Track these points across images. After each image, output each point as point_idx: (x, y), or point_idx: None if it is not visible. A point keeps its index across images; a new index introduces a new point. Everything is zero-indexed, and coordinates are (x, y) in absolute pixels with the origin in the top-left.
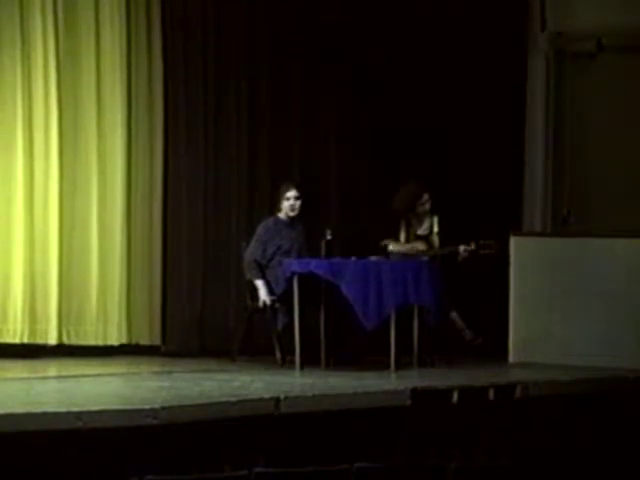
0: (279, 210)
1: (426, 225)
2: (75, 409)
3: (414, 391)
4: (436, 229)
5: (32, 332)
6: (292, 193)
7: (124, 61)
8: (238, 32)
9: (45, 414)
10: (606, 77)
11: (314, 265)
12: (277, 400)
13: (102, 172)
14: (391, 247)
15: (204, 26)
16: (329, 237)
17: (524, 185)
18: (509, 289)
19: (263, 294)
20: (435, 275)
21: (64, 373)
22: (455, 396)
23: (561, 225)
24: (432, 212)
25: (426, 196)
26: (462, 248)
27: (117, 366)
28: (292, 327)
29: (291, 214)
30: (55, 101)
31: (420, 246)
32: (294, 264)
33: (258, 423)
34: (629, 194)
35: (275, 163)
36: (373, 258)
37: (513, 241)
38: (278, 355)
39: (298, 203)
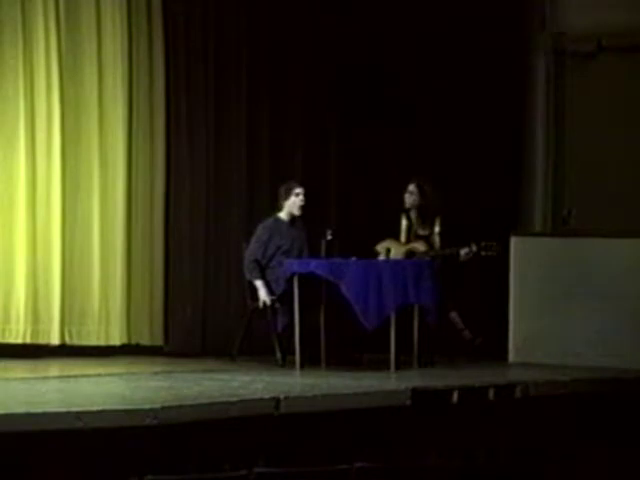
0: (279, 210)
1: (427, 225)
2: (75, 409)
3: (414, 391)
4: (437, 229)
5: (34, 332)
6: (301, 189)
7: (125, 61)
8: (239, 30)
9: (45, 414)
10: (606, 77)
11: (314, 265)
12: (277, 400)
13: (104, 172)
14: (381, 256)
15: (205, 25)
16: (329, 237)
17: (524, 185)
18: (509, 289)
19: (263, 294)
20: (435, 275)
21: (65, 373)
22: (455, 396)
23: (561, 225)
24: (435, 212)
25: (411, 186)
26: (463, 252)
27: (118, 366)
28: (292, 327)
29: (297, 212)
30: (57, 101)
31: (420, 246)
32: (294, 264)
33: (258, 423)
34: (629, 194)
35: (276, 163)
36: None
37: (513, 241)
38: (278, 355)
39: (304, 199)
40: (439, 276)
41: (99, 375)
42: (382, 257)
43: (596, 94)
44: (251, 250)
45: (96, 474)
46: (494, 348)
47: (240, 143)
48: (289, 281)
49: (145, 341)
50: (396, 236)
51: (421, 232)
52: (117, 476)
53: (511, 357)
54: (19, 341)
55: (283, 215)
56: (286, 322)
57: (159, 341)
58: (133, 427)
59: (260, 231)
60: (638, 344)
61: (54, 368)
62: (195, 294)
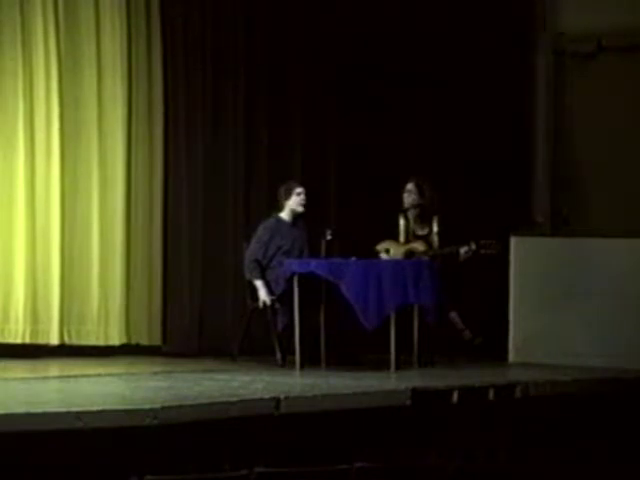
0: (280, 210)
1: (425, 225)
2: (75, 409)
3: (414, 391)
4: (436, 229)
5: (34, 332)
6: (302, 189)
7: (124, 61)
8: (237, 32)
9: (45, 414)
10: (606, 77)
11: (314, 265)
12: (277, 400)
13: (103, 173)
14: (383, 255)
15: (203, 27)
16: (329, 237)
17: (524, 185)
18: (509, 289)
19: (263, 294)
20: (435, 275)
21: (64, 373)
22: (455, 396)
23: (561, 225)
24: (433, 212)
25: (410, 185)
26: (463, 251)
27: (117, 366)
28: (292, 327)
29: (299, 210)
30: (56, 102)
31: (419, 246)
32: (294, 264)
33: (258, 423)
34: (629, 194)
35: (275, 164)
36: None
37: (513, 241)
38: (278, 355)
39: (305, 198)
40: (439, 276)
41: (99, 375)
42: (384, 256)
43: (596, 94)
44: (252, 250)
45: (96, 474)
46: (494, 348)
47: (238, 143)
48: (289, 281)
49: (144, 341)
50: (395, 237)
51: (419, 232)
52: (117, 476)
53: (511, 357)
54: (18, 341)
55: (284, 215)
56: (286, 322)
57: (158, 341)
58: (133, 427)
59: (261, 231)
60: (638, 344)
61: (54, 368)
62: (193, 294)
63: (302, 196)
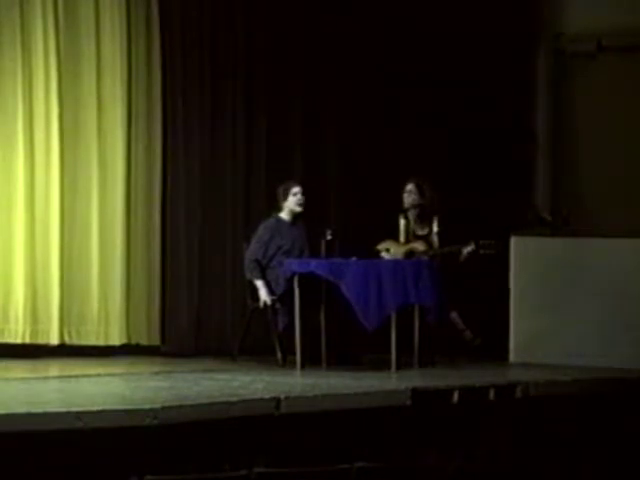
0: (280, 210)
1: (425, 225)
2: (75, 409)
3: (414, 391)
4: (436, 229)
5: (34, 332)
6: (298, 189)
7: (124, 61)
8: (235, 32)
9: (45, 414)
10: (606, 77)
11: (314, 265)
12: (277, 400)
13: (102, 173)
14: (384, 254)
15: (201, 26)
16: (329, 237)
17: (524, 185)
18: (509, 289)
19: (263, 294)
20: (435, 275)
21: (65, 373)
22: (455, 396)
23: (561, 225)
24: (432, 212)
25: (410, 185)
26: (466, 250)
27: (118, 366)
28: (292, 327)
29: (298, 210)
30: (56, 101)
31: (420, 246)
32: (294, 264)
33: (258, 423)
34: (629, 194)
35: (274, 164)
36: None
37: (513, 241)
38: (278, 355)
39: (303, 198)
40: (439, 276)
41: (99, 375)
42: (386, 256)
43: (596, 94)
44: (252, 250)
45: (96, 474)
46: (494, 348)
47: (238, 143)
48: (289, 281)
49: (144, 341)
50: (395, 237)
51: (420, 232)
52: (117, 476)
53: (511, 357)
54: (18, 341)
55: (284, 215)
56: (286, 322)
57: (158, 341)
58: (133, 427)
59: (261, 231)
60: (638, 344)
61: (54, 368)
62: (192, 294)
63: (299, 196)
